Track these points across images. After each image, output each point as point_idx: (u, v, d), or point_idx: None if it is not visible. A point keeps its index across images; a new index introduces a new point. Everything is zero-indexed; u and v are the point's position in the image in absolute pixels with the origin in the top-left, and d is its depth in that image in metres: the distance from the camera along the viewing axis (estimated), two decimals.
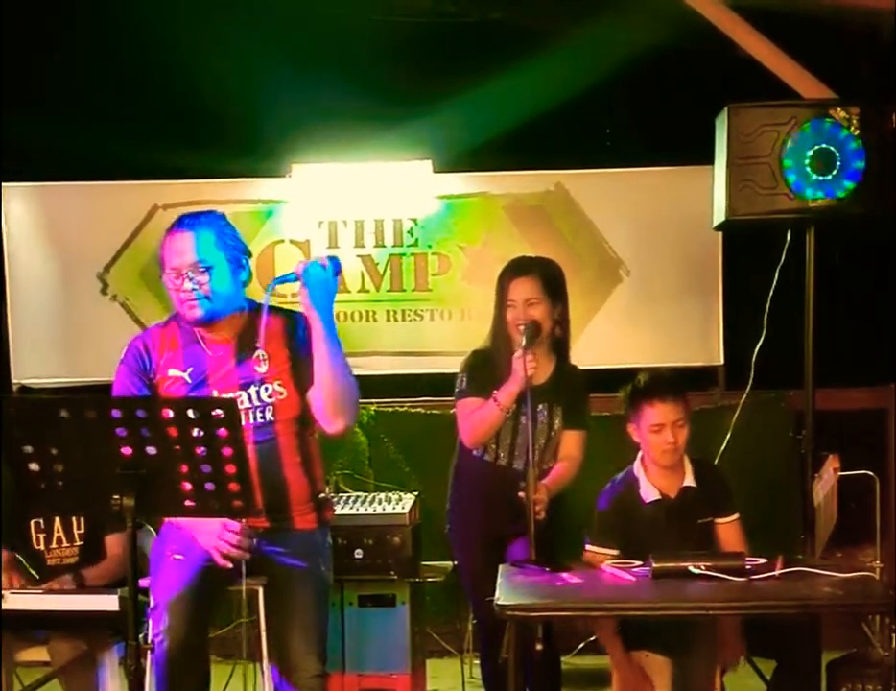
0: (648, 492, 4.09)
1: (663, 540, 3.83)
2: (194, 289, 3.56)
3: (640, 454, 4.15)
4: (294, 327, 3.65)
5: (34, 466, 3.04)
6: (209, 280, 3.57)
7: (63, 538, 4.52)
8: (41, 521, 4.49)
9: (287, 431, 3.64)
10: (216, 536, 3.51)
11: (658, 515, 4.05)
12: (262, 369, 3.61)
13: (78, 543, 4.52)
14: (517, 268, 4.35)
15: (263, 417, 3.61)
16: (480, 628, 4.53)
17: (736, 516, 4.13)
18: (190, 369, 3.64)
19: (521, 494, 3.99)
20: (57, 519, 4.47)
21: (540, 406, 4.26)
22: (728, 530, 4.11)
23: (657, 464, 4.09)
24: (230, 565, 3.53)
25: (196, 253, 3.57)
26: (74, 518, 4.47)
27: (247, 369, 3.62)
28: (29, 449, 3.03)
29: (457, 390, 4.37)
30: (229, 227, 3.68)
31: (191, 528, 3.57)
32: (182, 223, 3.62)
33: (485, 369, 4.31)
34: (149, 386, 3.64)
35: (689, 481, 4.09)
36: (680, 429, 4.04)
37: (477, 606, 4.44)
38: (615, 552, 4.00)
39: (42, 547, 4.52)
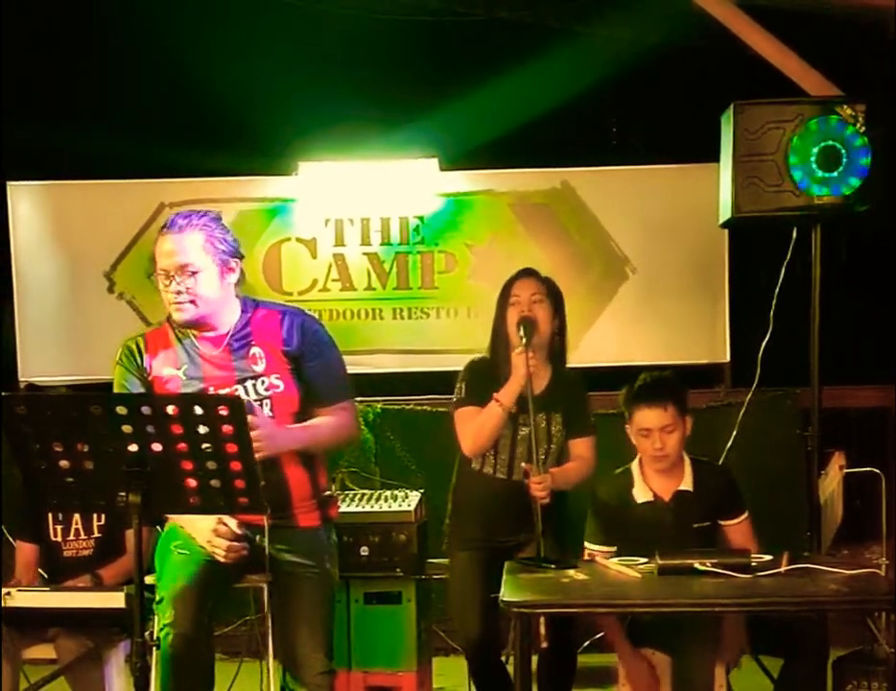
0: (641, 493, 4.07)
1: (655, 542, 3.76)
2: (180, 292, 3.55)
3: (639, 454, 4.13)
4: (288, 322, 3.66)
5: (40, 464, 3.05)
6: (196, 284, 3.56)
7: (81, 531, 4.53)
8: (60, 514, 4.49)
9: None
10: (208, 541, 3.55)
11: (650, 517, 4.02)
12: (259, 367, 3.62)
13: (96, 536, 4.53)
14: (523, 272, 4.39)
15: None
16: (467, 650, 4.39)
17: (745, 516, 4.10)
18: (185, 367, 3.64)
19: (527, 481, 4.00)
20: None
21: (538, 415, 4.22)
22: (737, 531, 4.08)
23: (650, 467, 4.08)
24: (240, 557, 3.56)
25: (182, 257, 3.56)
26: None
27: (245, 367, 3.62)
28: (35, 446, 3.03)
29: (455, 399, 4.35)
30: (221, 230, 3.64)
31: (185, 527, 3.61)
32: (173, 224, 3.60)
33: (485, 378, 4.28)
34: (144, 384, 3.65)
35: (686, 485, 4.06)
36: (669, 435, 4.00)
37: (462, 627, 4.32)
38: (612, 549, 4.00)
39: (59, 539, 4.54)
